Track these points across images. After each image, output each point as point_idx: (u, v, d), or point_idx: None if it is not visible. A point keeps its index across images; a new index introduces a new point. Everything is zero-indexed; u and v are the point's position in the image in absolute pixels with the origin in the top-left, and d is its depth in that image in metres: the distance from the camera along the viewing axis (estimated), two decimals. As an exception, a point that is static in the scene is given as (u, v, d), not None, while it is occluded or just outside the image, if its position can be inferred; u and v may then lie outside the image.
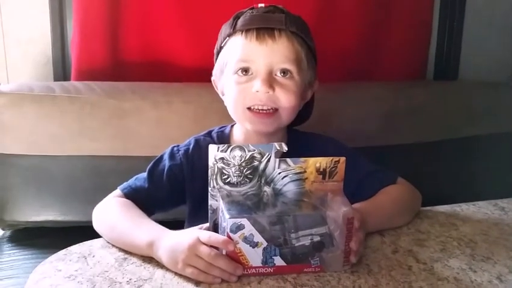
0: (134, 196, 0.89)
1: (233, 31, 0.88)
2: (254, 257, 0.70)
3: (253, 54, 0.86)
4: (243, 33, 0.87)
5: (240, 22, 0.88)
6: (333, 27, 1.50)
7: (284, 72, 0.87)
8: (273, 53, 0.86)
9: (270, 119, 0.89)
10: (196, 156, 0.94)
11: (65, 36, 1.40)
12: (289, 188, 0.74)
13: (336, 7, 1.51)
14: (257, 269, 0.71)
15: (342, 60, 1.54)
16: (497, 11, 1.66)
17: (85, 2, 1.34)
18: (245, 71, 0.87)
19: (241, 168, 0.72)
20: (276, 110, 0.88)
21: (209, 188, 0.73)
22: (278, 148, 0.72)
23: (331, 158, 0.73)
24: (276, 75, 0.87)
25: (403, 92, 1.47)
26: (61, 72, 1.41)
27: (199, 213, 0.91)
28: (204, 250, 0.70)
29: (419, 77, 1.67)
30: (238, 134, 0.96)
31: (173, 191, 0.93)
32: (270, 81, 0.86)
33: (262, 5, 0.89)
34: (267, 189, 0.74)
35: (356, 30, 1.55)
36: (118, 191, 0.90)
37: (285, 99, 0.87)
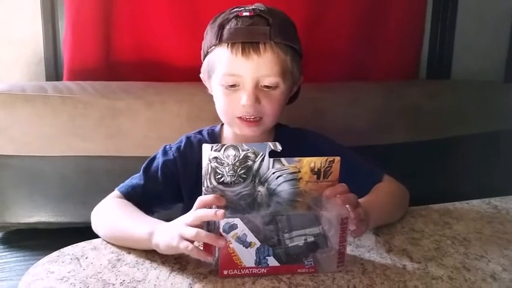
0: (132, 193, 0.90)
1: (218, 42, 0.89)
2: (247, 257, 0.70)
3: (239, 69, 0.87)
4: (229, 46, 0.88)
5: (225, 34, 0.88)
6: (326, 28, 1.51)
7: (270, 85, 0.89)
8: (259, 68, 0.87)
9: (256, 126, 0.91)
10: (188, 152, 0.96)
11: (57, 36, 1.39)
12: (284, 188, 0.74)
13: (329, 8, 1.51)
14: (250, 270, 0.71)
15: (335, 60, 1.55)
16: (489, 11, 1.67)
17: (77, 2, 1.33)
18: (232, 85, 0.89)
19: (235, 167, 0.72)
20: (261, 117, 0.91)
21: (203, 188, 0.73)
22: (272, 148, 0.72)
23: (326, 157, 0.73)
24: (261, 86, 0.89)
25: (396, 92, 1.48)
26: (53, 72, 1.40)
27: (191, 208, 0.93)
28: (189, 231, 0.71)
29: (411, 76, 1.68)
30: (227, 132, 0.98)
31: (169, 185, 0.94)
32: (256, 95, 0.88)
33: (247, 13, 0.88)
34: (261, 189, 0.73)
35: (348, 30, 1.55)
36: (115, 192, 0.91)
37: (270, 109, 0.90)
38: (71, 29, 1.34)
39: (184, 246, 0.70)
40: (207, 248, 0.73)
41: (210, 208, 0.71)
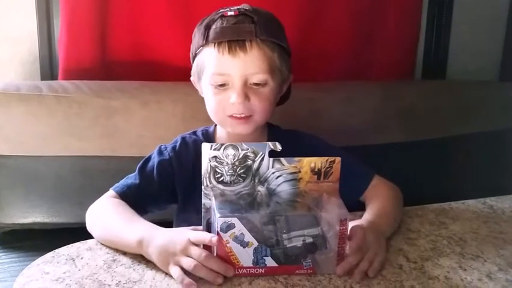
0: (127, 193, 0.90)
1: (205, 42, 0.90)
2: (245, 257, 0.70)
3: (227, 68, 0.88)
4: (215, 45, 0.88)
5: (211, 34, 0.89)
6: (321, 28, 1.51)
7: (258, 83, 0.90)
8: (246, 65, 0.88)
9: (247, 123, 0.91)
10: (184, 152, 0.96)
11: (53, 35, 1.38)
12: (284, 188, 0.73)
13: (325, 8, 1.51)
14: (248, 270, 0.71)
15: (331, 60, 1.55)
16: (485, 10, 1.67)
17: (72, 1, 1.32)
18: (221, 85, 0.90)
19: (235, 167, 0.72)
20: (251, 115, 0.91)
21: (202, 187, 0.73)
22: (272, 147, 0.72)
23: (326, 158, 0.73)
24: (250, 84, 0.89)
25: (392, 92, 1.48)
26: (48, 71, 1.39)
27: (187, 209, 0.93)
28: (195, 251, 0.70)
29: (407, 76, 1.68)
30: (221, 132, 0.98)
31: (164, 185, 0.94)
32: (245, 92, 0.89)
33: (232, 12, 0.89)
34: (261, 188, 0.73)
35: (344, 30, 1.55)
36: (110, 192, 0.91)
37: (259, 107, 0.90)
38: (67, 28, 1.33)
39: (176, 274, 0.70)
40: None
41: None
